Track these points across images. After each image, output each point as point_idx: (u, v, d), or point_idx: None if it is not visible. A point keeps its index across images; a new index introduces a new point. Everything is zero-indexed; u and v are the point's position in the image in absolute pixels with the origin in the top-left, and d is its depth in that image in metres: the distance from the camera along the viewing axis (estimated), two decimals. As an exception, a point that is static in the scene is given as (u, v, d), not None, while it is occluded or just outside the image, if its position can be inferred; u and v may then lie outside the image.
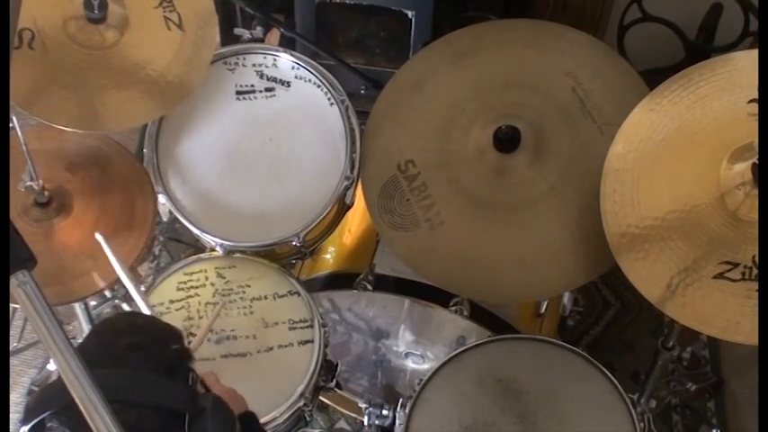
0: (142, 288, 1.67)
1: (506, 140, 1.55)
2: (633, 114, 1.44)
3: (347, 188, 1.69)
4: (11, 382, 2.16)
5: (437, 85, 1.69)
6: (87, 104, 1.56)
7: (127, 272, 1.47)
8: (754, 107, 1.32)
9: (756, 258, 1.27)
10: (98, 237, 1.53)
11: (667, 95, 1.41)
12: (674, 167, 1.37)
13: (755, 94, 1.32)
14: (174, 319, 1.63)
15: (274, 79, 1.74)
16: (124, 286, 1.94)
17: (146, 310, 1.42)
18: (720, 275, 1.29)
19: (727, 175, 1.31)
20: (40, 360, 2.26)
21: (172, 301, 1.66)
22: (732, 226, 1.30)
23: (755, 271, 1.27)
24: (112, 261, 1.48)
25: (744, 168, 1.29)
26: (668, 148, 1.38)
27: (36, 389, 2.19)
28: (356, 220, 1.93)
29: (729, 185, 1.30)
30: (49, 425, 0.90)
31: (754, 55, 1.34)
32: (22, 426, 0.91)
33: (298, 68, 1.74)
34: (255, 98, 1.74)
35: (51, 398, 0.92)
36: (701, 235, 1.32)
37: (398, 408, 1.63)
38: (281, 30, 2.35)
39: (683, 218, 1.33)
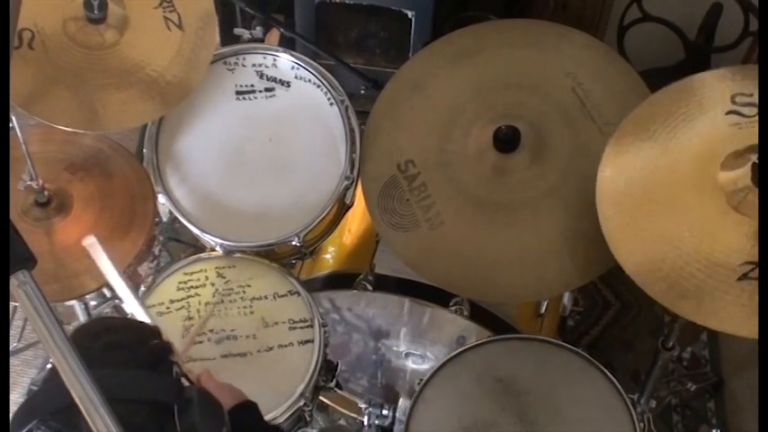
0: (142, 288, 1.67)
1: (506, 140, 1.55)
2: (603, 167, 1.43)
3: (347, 188, 1.69)
4: (11, 382, 2.17)
5: (437, 85, 1.69)
6: (87, 105, 1.56)
7: (123, 277, 1.40)
8: (734, 118, 1.35)
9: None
10: (88, 243, 1.37)
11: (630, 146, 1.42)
12: (671, 202, 1.37)
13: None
14: (175, 319, 1.63)
15: (274, 79, 1.74)
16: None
17: (144, 316, 1.40)
18: (744, 276, 1.28)
19: (727, 182, 1.31)
20: (40, 360, 2.26)
21: (172, 301, 1.66)
22: (744, 228, 1.29)
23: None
24: (106, 266, 1.39)
25: (743, 172, 1.29)
26: (658, 182, 1.38)
27: (36, 389, 2.19)
28: (356, 220, 1.93)
29: (731, 190, 1.30)
30: None
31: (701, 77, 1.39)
32: None
33: (298, 68, 1.74)
34: (255, 98, 1.74)
35: (37, 406, 0.92)
36: (722, 245, 1.30)
37: (398, 408, 1.64)
38: (281, 30, 2.36)
39: (701, 237, 1.33)
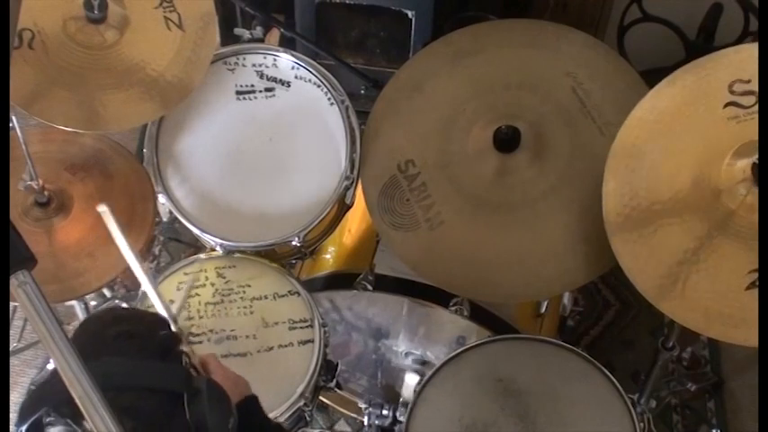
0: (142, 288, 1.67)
1: (506, 140, 1.55)
2: (607, 181, 1.43)
3: (347, 188, 1.69)
4: (11, 382, 2.17)
5: (437, 85, 1.69)
6: (87, 105, 1.56)
7: (135, 253, 1.41)
8: (732, 110, 1.33)
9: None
10: (101, 210, 1.40)
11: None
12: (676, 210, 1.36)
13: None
14: (174, 319, 1.63)
15: (274, 79, 1.74)
16: (123, 286, 1.95)
17: (153, 295, 1.40)
18: (753, 285, 1.27)
19: (728, 185, 1.31)
20: (40, 360, 2.26)
21: (172, 301, 1.66)
22: (746, 232, 1.29)
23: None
24: (119, 240, 1.39)
25: (743, 172, 1.29)
26: (663, 192, 1.37)
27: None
28: (356, 220, 1.93)
29: (732, 191, 1.30)
30: (47, 420, 0.90)
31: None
32: (18, 427, 0.91)
33: (298, 68, 1.74)
34: (255, 98, 1.74)
35: (46, 395, 0.93)
36: (727, 252, 1.30)
37: (398, 408, 1.64)
38: (281, 30, 2.36)
39: (704, 244, 1.32)
